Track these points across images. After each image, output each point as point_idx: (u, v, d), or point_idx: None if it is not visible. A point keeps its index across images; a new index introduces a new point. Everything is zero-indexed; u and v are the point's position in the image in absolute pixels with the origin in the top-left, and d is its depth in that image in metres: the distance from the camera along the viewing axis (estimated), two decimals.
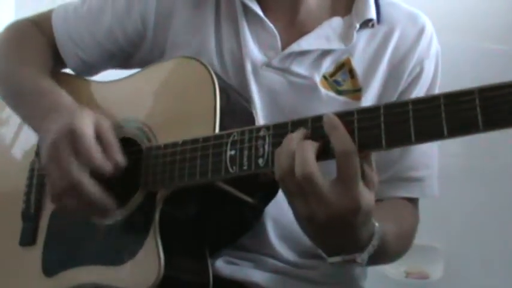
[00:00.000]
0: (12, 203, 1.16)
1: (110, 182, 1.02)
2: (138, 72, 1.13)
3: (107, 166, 0.95)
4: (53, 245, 1.09)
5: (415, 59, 1.12)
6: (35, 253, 1.09)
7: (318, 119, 0.81)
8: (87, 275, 1.01)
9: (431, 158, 1.15)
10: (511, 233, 2.08)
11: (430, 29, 1.16)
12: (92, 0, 1.21)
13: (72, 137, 0.94)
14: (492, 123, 0.69)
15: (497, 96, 0.69)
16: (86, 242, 1.03)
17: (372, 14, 1.11)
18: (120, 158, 0.97)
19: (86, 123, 0.96)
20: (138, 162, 1.00)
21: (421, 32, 1.14)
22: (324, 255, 0.88)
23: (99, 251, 1.01)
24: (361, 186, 0.78)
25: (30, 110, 1.11)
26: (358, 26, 1.10)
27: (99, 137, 0.97)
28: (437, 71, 1.16)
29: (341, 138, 0.77)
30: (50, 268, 1.07)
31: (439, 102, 0.73)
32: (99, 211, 0.98)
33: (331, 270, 1.11)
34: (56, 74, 1.20)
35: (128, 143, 1.03)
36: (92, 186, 0.95)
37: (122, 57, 1.21)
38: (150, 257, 0.93)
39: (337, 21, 1.12)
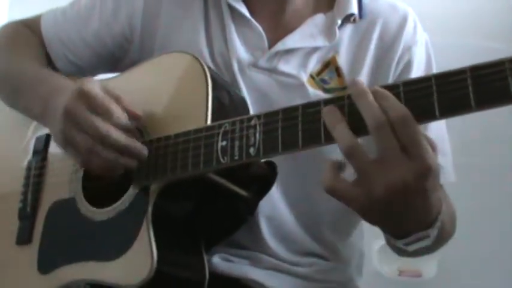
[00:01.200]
0: (9, 202, 1.16)
1: (102, 178, 1.03)
2: (131, 68, 1.13)
3: (124, 117, 0.94)
4: (48, 243, 1.09)
5: (402, 47, 1.11)
6: (31, 251, 1.09)
7: (309, 105, 0.81)
8: (81, 272, 1.00)
9: (446, 145, 1.13)
10: (504, 232, 2.09)
11: (412, 16, 1.15)
12: (80, 4, 1.22)
13: (86, 98, 0.93)
14: (484, 101, 0.69)
15: (489, 74, 0.69)
16: (80, 239, 1.03)
17: (354, 8, 1.11)
18: (132, 108, 0.97)
19: (94, 85, 0.95)
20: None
21: (404, 19, 1.14)
22: (396, 243, 0.84)
23: (92, 247, 1.00)
24: (427, 146, 0.74)
25: (31, 99, 1.09)
26: (339, 21, 1.10)
27: (108, 95, 0.95)
28: (430, 60, 1.15)
29: (396, 103, 0.74)
30: (45, 266, 1.06)
31: (431, 83, 0.72)
32: (132, 158, 0.95)
33: (325, 266, 1.11)
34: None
35: None
36: (120, 134, 0.93)
37: (111, 61, 1.21)
38: (143, 252, 0.92)
39: (320, 18, 1.12)
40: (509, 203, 2.12)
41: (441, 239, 0.93)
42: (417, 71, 1.12)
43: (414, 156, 0.72)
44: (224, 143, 0.88)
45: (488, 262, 2.07)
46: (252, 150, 0.85)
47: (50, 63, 1.22)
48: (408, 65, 1.11)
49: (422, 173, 0.73)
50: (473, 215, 2.06)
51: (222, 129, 0.89)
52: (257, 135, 0.85)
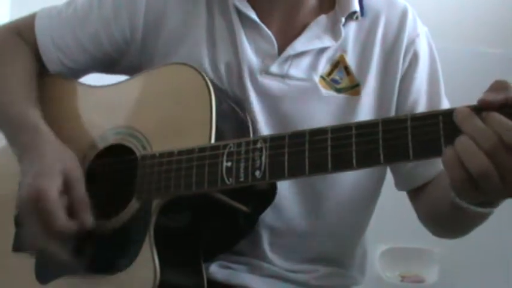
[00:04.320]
0: (5, 208, 1.14)
1: (103, 190, 1.03)
2: (132, 78, 1.12)
3: (71, 227, 0.97)
4: (47, 252, 1.07)
5: (406, 40, 1.13)
6: (28, 259, 1.08)
7: (316, 132, 0.81)
8: (81, 284, 1.00)
9: None
10: (506, 236, 2.09)
11: (411, 9, 1.17)
12: (77, 4, 1.19)
13: (37, 201, 0.96)
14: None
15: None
16: (80, 250, 1.02)
17: (356, 6, 1.12)
18: (86, 217, 0.98)
19: (52, 184, 0.97)
20: (133, 171, 0.99)
21: (404, 13, 1.15)
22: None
23: (93, 259, 1.00)
24: None
25: (10, 139, 1.12)
26: (343, 19, 1.11)
27: (68, 193, 0.98)
28: (432, 51, 1.17)
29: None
30: (44, 275, 1.06)
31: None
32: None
33: (325, 273, 1.12)
34: (48, 77, 1.19)
35: (122, 151, 1.02)
36: (56, 251, 0.98)
37: (106, 63, 1.19)
38: (145, 266, 0.93)
39: (322, 19, 1.12)
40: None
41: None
42: (424, 62, 1.14)
43: None
44: (229, 163, 0.88)
45: (490, 267, 2.07)
46: (257, 173, 0.85)
47: (43, 70, 1.19)
48: (415, 57, 1.13)
49: None
50: None
51: (227, 149, 0.88)
52: (263, 158, 0.85)
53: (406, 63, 1.12)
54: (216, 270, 1.06)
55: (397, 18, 1.14)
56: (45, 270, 1.06)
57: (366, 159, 0.77)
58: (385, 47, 1.12)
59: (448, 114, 0.73)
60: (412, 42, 1.12)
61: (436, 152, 0.73)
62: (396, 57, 1.11)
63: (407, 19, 1.14)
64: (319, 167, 0.79)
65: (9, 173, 1.17)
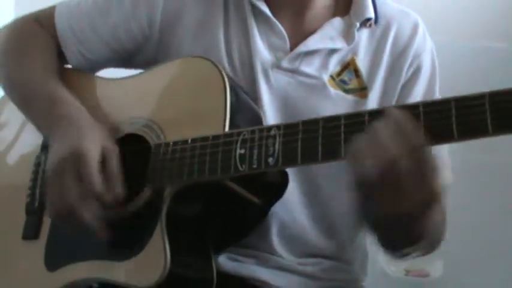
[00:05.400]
0: (16, 197, 1.15)
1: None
2: (147, 70, 1.13)
3: (106, 197, 0.97)
4: (57, 239, 1.09)
5: (413, 52, 1.15)
6: (38, 247, 1.09)
7: (329, 119, 0.83)
8: (92, 270, 1.02)
9: (442, 148, 1.14)
10: (511, 231, 2.09)
11: (422, 24, 1.19)
12: None
13: (78, 162, 0.96)
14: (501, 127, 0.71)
15: (507, 101, 0.71)
16: (90, 237, 1.02)
17: (371, 13, 1.14)
18: (119, 190, 0.98)
19: (93, 149, 0.98)
20: (146, 159, 1.00)
21: (416, 26, 1.18)
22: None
23: (103, 245, 1.01)
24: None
25: (40, 117, 1.12)
26: (358, 25, 1.13)
27: (104, 164, 0.98)
28: (434, 65, 1.19)
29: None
30: (53, 262, 1.07)
31: (450, 106, 0.74)
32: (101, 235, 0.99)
33: (331, 266, 1.13)
34: (64, 70, 1.20)
35: (137, 140, 1.03)
36: (86, 214, 0.97)
37: (125, 56, 1.20)
38: (156, 253, 0.93)
39: (337, 22, 1.14)
40: None
41: (429, 248, 1.00)
42: (424, 77, 1.16)
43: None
44: (243, 151, 0.89)
45: (496, 262, 2.07)
46: (270, 160, 0.86)
47: (62, 60, 1.21)
48: (417, 71, 1.15)
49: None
50: (480, 215, 2.06)
51: (241, 137, 0.90)
52: (276, 145, 0.86)
53: (408, 75, 1.14)
54: (224, 262, 1.07)
55: (408, 30, 1.17)
56: (54, 257, 1.07)
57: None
58: (394, 55, 1.15)
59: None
60: (417, 56, 1.15)
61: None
62: (400, 67, 1.14)
63: (417, 33, 1.17)
64: (332, 154, 0.80)
65: (20, 162, 1.19)
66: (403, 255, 0.96)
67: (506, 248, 2.10)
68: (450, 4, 2.22)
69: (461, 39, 2.13)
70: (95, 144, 0.98)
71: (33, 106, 1.13)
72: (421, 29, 1.18)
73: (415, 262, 2.00)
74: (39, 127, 1.12)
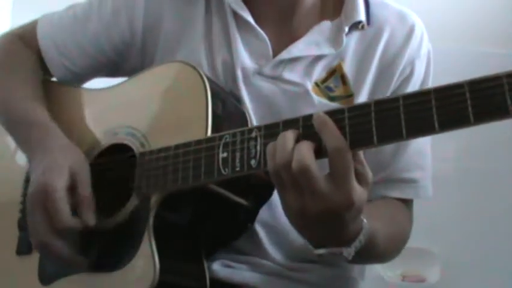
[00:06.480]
0: (9, 212, 1.15)
1: (104, 188, 1.03)
2: (129, 78, 1.13)
3: (75, 224, 0.98)
4: (49, 250, 1.09)
5: (405, 60, 1.12)
6: (32, 262, 1.09)
7: (309, 117, 0.81)
8: (82, 283, 1.01)
9: (425, 159, 1.14)
10: (507, 236, 2.09)
11: (420, 28, 1.15)
12: (76, 8, 1.21)
13: (44, 197, 0.97)
14: (482, 116, 0.70)
15: (487, 88, 0.70)
16: (80, 249, 1.03)
17: (361, 16, 1.11)
18: (89, 216, 0.98)
19: (60, 178, 0.98)
20: (132, 168, 1.00)
21: (410, 31, 1.13)
22: (310, 246, 0.88)
23: (93, 258, 1.01)
24: (354, 182, 0.79)
25: (21, 140, 1.14)
26: (347, 29, 1.10)
27: (73, 189, 0.99)
28: (428, 71, 1.16)
29: (332, 135, 0.78)
30: (47, 276, 1.06)
31: (430, 97, 0.73)
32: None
33: (326, 272, 1.11)
34: (49, 84, 1.21)
35: (122, 149, 1.03)
36: (59, 248, 0.98)
37: (109, 66, 1.20)
38: (145, 262, 0.93)
39: (326, 25, 1.11)
40: None
41: (368, 256, 0.96)
42: (414, 84, 1.13)
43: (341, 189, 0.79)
44: (225, 154, 0.88)
45: (492, 267, 2.06)
46: (253, 162, 0.86)
47: (47, 74, 1.22)
48: (408, 77, 1.12)
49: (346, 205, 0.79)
50: (476, 220, 2.06)
51: (223, 140, 0.89)
52: (258, 147, 0.85)
53: (399, 82, 1.11)
54: (217, 269, 1.06)
55: (402, 35, 1.13)
56: (47, 272, 1.07)
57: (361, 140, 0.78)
58: (383, 61, 1.11)
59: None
60: (411, 63, 1.12)
61: None
62: (391, 73, 1.11)
63: (412, 38, 1.13)
64: (314, 153, 0.79)
65: (12, 178, 1.19)
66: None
67: (503, 254, 2.10)
68: (451, 10, 2.23)
69: (462, 44, 2.13)
70: (62, 173, 0.98)
71: (15, 129, 1.15)
72: (418, 33, 1.14)
73: (411, 267, 2.00)
74: (21, 149, 1.14)
